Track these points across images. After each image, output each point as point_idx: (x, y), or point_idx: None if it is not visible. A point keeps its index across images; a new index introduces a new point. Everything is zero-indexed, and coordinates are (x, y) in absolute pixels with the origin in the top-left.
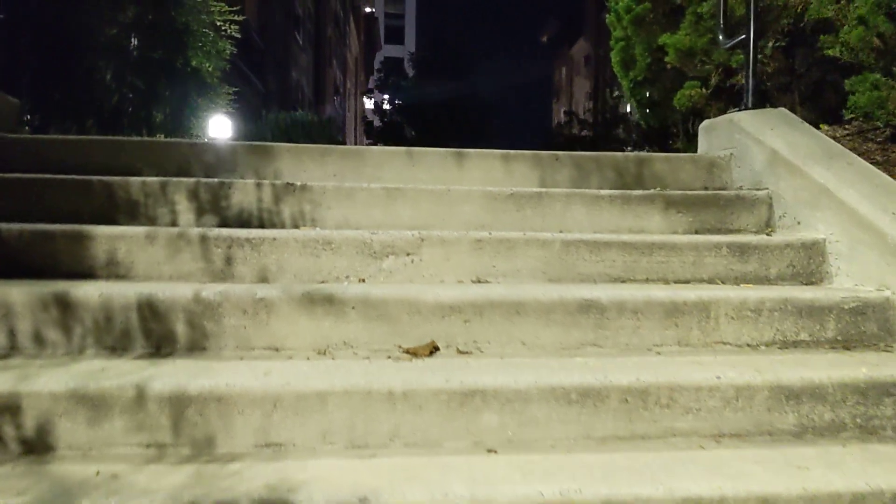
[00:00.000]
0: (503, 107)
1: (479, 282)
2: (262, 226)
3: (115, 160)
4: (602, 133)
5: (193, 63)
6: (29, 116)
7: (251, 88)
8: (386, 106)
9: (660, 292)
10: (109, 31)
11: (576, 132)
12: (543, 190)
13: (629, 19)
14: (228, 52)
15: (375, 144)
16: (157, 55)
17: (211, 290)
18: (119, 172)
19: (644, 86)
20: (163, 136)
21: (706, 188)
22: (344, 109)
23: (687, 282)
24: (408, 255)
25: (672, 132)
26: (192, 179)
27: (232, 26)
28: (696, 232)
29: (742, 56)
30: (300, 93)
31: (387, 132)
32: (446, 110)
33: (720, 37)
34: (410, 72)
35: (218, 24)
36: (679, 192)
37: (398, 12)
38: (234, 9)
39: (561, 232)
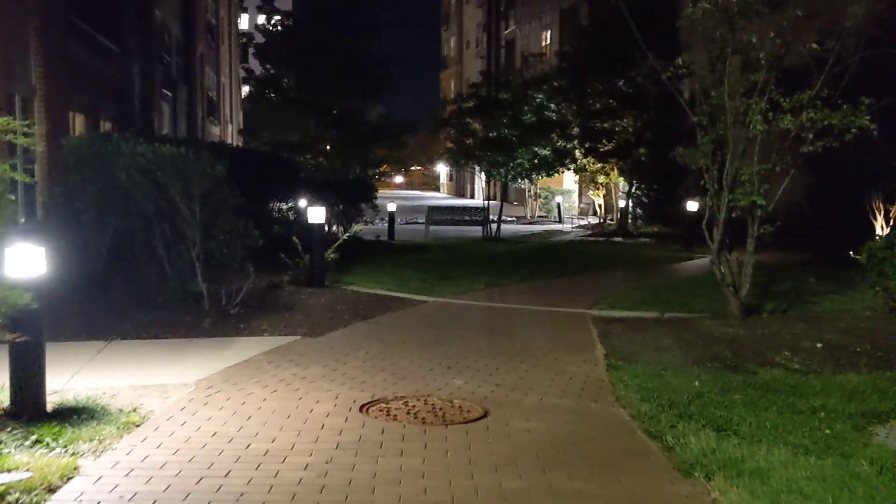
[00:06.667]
0: (393, 40)
1: None
2: None
3: None
4: (514, 98)
5: None
6: None
7: (99, 53)
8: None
9: None
10: None
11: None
12: None
13: None
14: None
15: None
16: None
17: None
18: None
19: None
20: None
21: None
22: (218, 44)
23: None
24: None
25: None
26: None
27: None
28: None
29: None
30: (167, 34)
31: (269, 81)
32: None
33: None
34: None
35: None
36: None
37: None
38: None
39: None
